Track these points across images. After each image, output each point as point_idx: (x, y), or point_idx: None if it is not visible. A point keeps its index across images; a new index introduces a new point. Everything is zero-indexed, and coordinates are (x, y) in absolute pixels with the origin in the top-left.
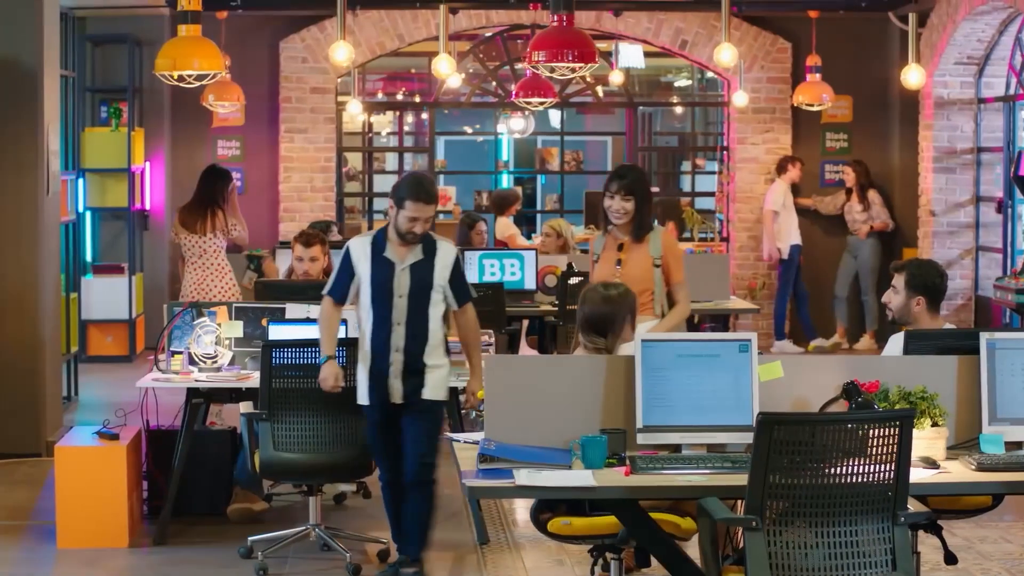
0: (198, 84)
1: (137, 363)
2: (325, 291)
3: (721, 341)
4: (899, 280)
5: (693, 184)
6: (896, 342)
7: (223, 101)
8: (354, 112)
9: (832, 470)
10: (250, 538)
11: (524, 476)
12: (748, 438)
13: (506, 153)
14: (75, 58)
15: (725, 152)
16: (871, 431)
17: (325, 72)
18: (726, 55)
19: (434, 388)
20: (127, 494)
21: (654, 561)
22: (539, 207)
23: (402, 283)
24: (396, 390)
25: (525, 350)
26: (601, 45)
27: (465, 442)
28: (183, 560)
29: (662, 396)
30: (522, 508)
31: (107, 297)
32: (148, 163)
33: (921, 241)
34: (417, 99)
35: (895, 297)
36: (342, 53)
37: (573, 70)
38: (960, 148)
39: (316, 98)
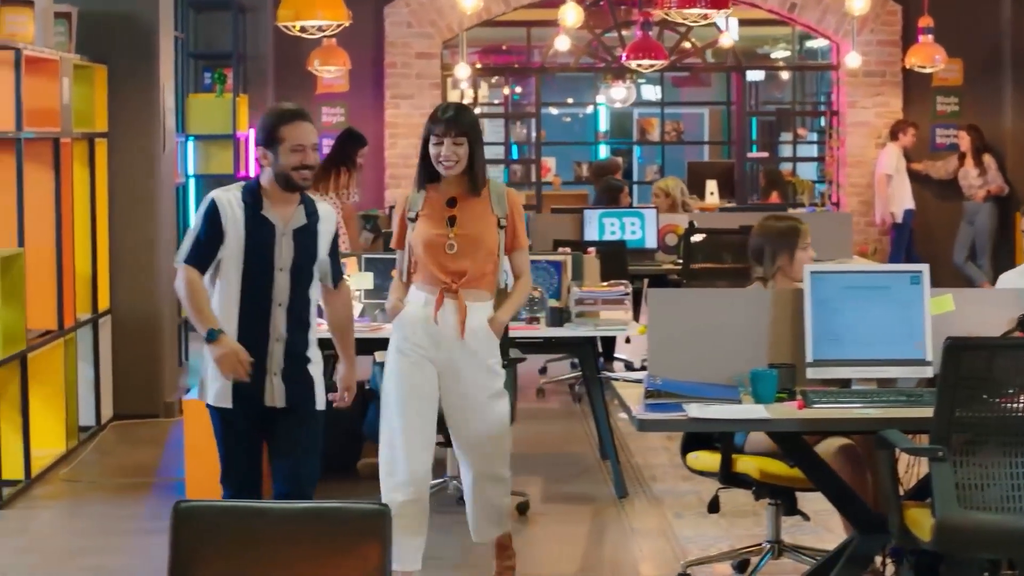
0: (320, 35)
1: None
2: (181, 259)
3: (892, 273)
4: None
5: (795, 152)
6: (1009, 279)
7: (329, 66)
8: (461, 76)
9: (1022, 397)
10: None
11: (696, 409)
12: (921, 372)
13: (604, 124)
14: (180, 22)
15: (834, 117)
16: None
17: (430, 37)
18: (859, 2)
19: (321, 395)
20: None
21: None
22: (635, 178)
23: (284, 252)
24: (277, 391)
25: (646, 311)
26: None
27: (624, 380)
28: None
29: (832, 329)
30: (657, 464)
31: None
32: (252, 130)
33: None
34: (515, 66)
35: None
36: (471, 0)
37: (705, 16)
38: None
39: (421, 63)
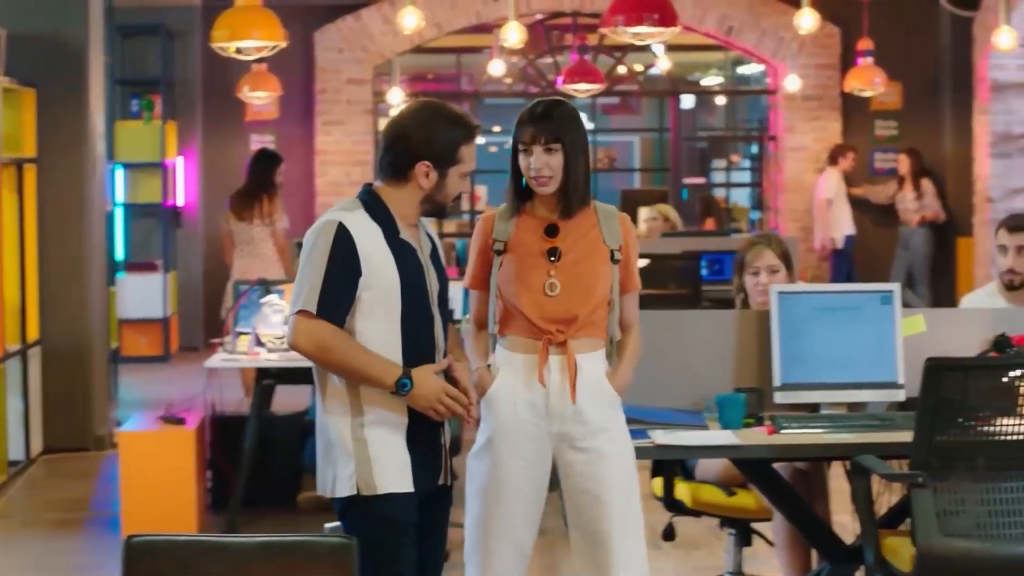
0: (257, 56)
1: (174, 363)
2: (309, 308)
3: (862, 292)
4: None
5: (728, 178)
6: (975, 299)
7: (258, 92)
8: (394, 102)
9: (1005, 419)
10: (327, 525)
11: (662, 436)
12: (892, 396)
13: None
14: (108, 47)
15: (772, 142)
16: None
17: (361, 63)
18: (807, 20)
19: None
20: (195, 481)
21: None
22: None
23: (432, 284)
24: (446, 463)
25: None
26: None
27: None
28: None
29: (800, 352)
30: None
31: (141, 296)
32: (181, 157)
33: (977, 229)
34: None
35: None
36: (411, 19)
37: (654, 35)
38: (1017, 132)
39: (353, 89)
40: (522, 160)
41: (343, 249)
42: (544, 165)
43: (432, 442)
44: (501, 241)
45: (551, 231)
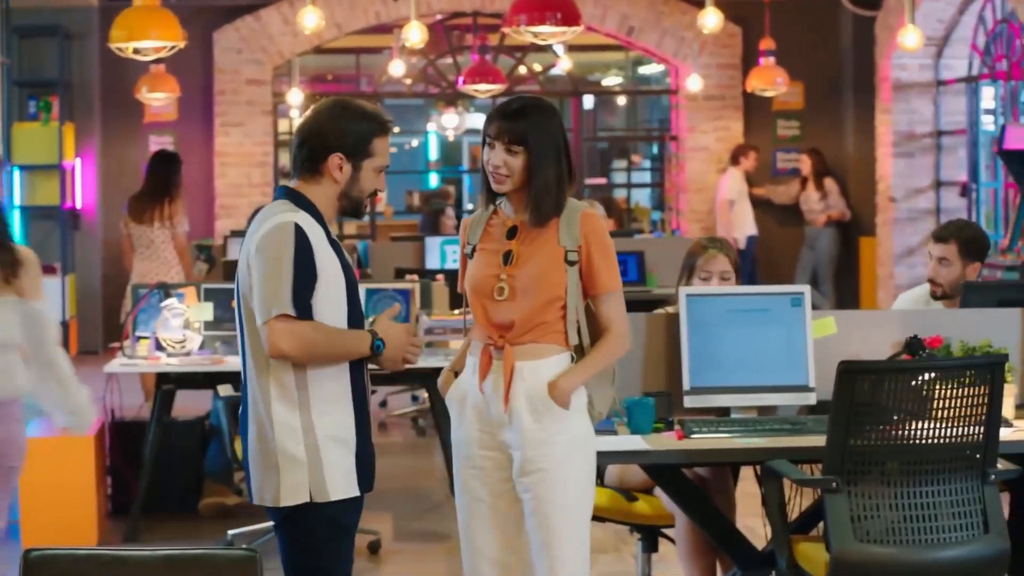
0: (155, 57)
1: (73, 367)
2: (290, 309)
3: (771, 295)
4: (947, 250)
5: (629, 178)
6: (909, 298)
7: (157, 93)
8: (293, 102)
9: (919, 423)
10: (230, 532)
11: None
12: (803, 399)
13: (434, 153)
14: (4, 48)
15: (673, 142)
16: (964, 379)
17: (261, 63)
18: (711, 20)
19: None
20: (96, 488)
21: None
22: (465, 207)
23: (356, 280)
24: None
25: None
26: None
27: None
28: None
29: (710, 355)
30: None
31: None
32: (79, 159)
33: (880, 229)
34: (350, 92)
35: (945, 270)
36: (311, 20)
37: (556, 35)
38: (919, 132)
39: (252, 90)
40: (484, 152)
41: (303, 250)
42: (502, 163)
43: (371, 448)
44: (471, 245)
45: (511, 233)
